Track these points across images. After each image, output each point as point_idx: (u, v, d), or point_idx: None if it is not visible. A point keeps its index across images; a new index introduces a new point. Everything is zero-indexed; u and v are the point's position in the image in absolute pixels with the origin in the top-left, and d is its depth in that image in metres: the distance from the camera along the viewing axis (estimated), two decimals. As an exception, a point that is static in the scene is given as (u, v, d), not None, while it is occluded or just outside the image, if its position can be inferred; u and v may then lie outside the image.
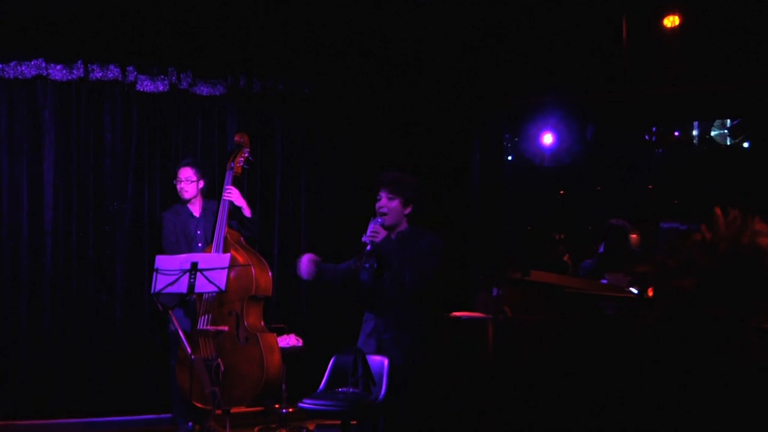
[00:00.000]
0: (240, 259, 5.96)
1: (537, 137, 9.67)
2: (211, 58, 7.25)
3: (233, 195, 6.18)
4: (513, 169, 10.02)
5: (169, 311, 5.55)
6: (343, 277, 4.83)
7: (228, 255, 5.68)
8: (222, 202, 6.18)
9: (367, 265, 4.63)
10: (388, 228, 4.71)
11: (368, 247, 4.58)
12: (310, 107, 7.72)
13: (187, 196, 6.32)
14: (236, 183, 6.33)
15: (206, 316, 5.94)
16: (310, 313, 7.67)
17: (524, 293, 5.88)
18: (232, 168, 6.29)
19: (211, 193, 6.79)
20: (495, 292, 7.09)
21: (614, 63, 7.41)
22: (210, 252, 5.98)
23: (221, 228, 6.06)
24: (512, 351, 5.48)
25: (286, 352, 6.25)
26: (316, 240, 7.71)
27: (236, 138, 6.41)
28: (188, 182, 6.31)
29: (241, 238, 6.16)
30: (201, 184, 6.41)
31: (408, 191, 4.72)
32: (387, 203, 4.72)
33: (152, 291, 5.51)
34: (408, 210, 4.72)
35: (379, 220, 4.72)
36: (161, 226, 6.43)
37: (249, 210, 6.30)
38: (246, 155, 6.32)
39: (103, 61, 6.98)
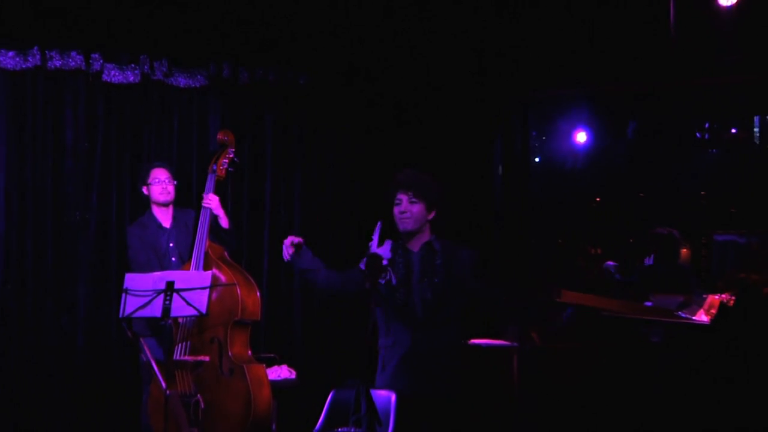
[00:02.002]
0: (224, 277, 5.93)
1: (569, 135, 9.68)
2: (189, 44, 7.25)
3: (213, 203, 6.15)
4: (541, 173, 10.02)
5: (141, 339, 5.52)
6: (336, 284, 4.79)
7: (210, 273, 5.65)
8: (202, 210, 6.15)
9: (383, 281, 4.61)
10: (408, 236, 4.68)
11: (384, 261, 4.56)
12: (305, 101, 7.72)
13: (169, 198, 6.32)
14: (219, 188, 6.30)
15: (184, 344, 5.91)
16: (306, 341, 7.65)
17: (554, 317, 5.85)
18: (214, 171, 6.26)
19: (185, 201, 6.76)
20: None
21: (659, 48, 7.38)
22: (188, 269, 5.95)
23: (202, 241, 6.03)
24: (541, 385, 5.46)
25: (276, 386, 6.22)
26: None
27: (219, 136, 6.39)
28: (169, 183, 6.31)
29: (225, 253, 6.14)
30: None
31: (432, 193, 4.69)
32: (409, 207, 4.69)
33: (120, 315, 5.48)
34: (431, 216, 4.70)
35: (401, 226, 4.70)
36: (126, 243, 6.38)
37: (227, 220, 6.28)
38: (231, 156, 6.30)
39: (63, 47, 6.97)
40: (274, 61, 7.56)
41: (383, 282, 4.63)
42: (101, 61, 7.06)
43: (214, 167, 6.27)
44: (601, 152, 10.22)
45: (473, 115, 8.08)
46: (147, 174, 6.36)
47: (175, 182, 6.40)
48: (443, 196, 4.74)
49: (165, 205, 6.36)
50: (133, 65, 7.14)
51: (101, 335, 7.05)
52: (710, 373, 4.84)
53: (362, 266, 4.63)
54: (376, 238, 4.66)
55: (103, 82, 7.09)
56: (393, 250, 4.67)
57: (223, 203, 6.36)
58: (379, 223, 4.68)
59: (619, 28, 7.40)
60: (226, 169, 6.29)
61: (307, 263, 4.84)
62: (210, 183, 6.24)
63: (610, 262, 8.15)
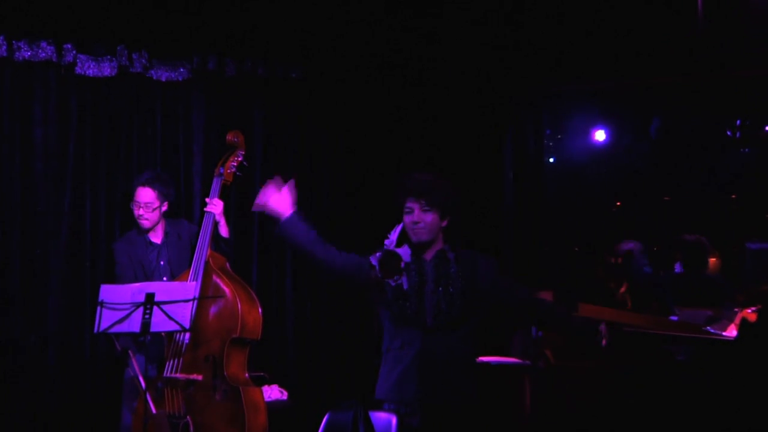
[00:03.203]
0: (226, 290, 5.95)
1: (586, 134, 9.70)
2: (171, 34, 7.26)
3: (217, 208, 6.18)
4: (556, 175, 10.02)
5: (129, 352, 5.55)
6: (337, 261, 4.80)
7: (194, 284, 5.68)
8: (205, 216, 6.17)
9: (393, 283, 4.62)
10: (422, 246, 4.70)
11: (402, 264, 4.59)
12: (298, 96, 7.75)
13: (147, 225, 6.31)
14: (224, 194, 6.29)
15: (175, 360, 5.93)
16: (299, 359, 7.66)
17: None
18: (221, 174, 6.28)
19: (178, 212, 6.76)
20: (535, 332, 7.15)
21: (686, 38, 7.40)
22: (186, 279, 5.96)
23: (203, 249, 6.05)
24: (556, 406, 5.48)
25: (267, 408, 6.23)
26: (306, 265, 7.70)
27: (229, 137, 6.37)
28: (148, 209, 6.27)
29: (227, 264, 6.16)
30: (165, 207, 6.37)
31: (446, 200, 4.71)
32: (421, 216, 4.70)
33: (96, 330, 5.50)
34: (444, 223, 4.72)
35: (414, 237, 4.70)
36: (113, 260, 6.39)
37: (227, 229, 6.30)
38: (240, 159, 6.31)
39: (32, 37, 6.97)
40: (264, 53, 7.58)
41: (393, 284, 4.64)
42: (74, 52, 7.07)
43: (221, 170, 6.30)
44: (622, 152, 10.23)
45: (481, 111, 8.10)
46: (133, 192, 6.31)
47: (163, 203, 6.34)
48: (457, 202, 4.75)
49: (146, 231, 6.35)
50: (109, 57, 7.15)
51: (74, 353, 7.05)
52: (740, 394, 4.85)
53: (373, 260, 4.63)
54: (394, 238, 4.66)
55: (76, 75, 7.09)
56: (411, 256, 4.68)
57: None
58: (400, 225, 4.69)
59: (642, 17, 7.42)
60: (234, 173, 6.31)
61: (301, 235, 4.84)
62: (215, 187, 6.26)
63: (631, 243, 7.90)
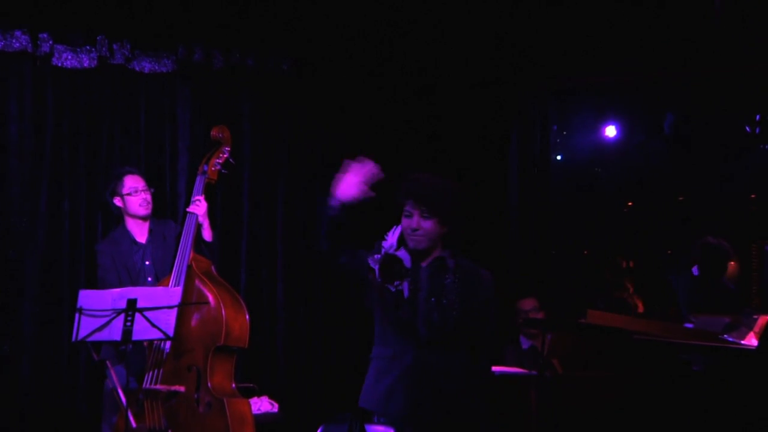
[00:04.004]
0: (209, 295, 5.93)
1: (596, 130, 9.68)
2: (155, 23, 7.25)
3: (200, 209, 6.17)
4: (563, 173, 10.00)
5: (107, 363, 5.52)
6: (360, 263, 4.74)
7: (178, 289, 5.66)
8: (187, 217, 6.17)
9: (393, 289, 4.59)
10: (420, 254, 4.66)
11: (405, 269, 4.57)
12: (289, 89, 7.74)
13: (150, 210, 6.34)
14: (208, 193, 6.29)
15: (156, 370, 5.91)
16: (289, 369, 7.64)
17: (579, 341, 5.87)
18: (204, 172, 6.30)
19: (156, 209, 6.76)
20: (525, 344, 7.16)
21: (702, 29, 7.39)
22: (167, 284, 5.95)
23: (185, 252, 6.04)
24: (564, 419, 5.47)
25: (257, 421, 6.21)
26: (298, 269, 7.67)
27: (213, 132, 6.40)
28: (148, 192, 6.31)
29: (212, 268, 6.15)
30: None
31: (448, 207, 4.66)
32: (420, 223, 4.65)
33: (74, 339, 5.48)
34: (445, 230, 4.68)
35: (411, 243, 4.67)
36: (95, 262, 6.38)
37: (210, 232, 6.29)
38: (225, 156, 6.34)
39: (5, 26, 6.95)
40: (254, 44, 7.57)
41: (393, 290, 4.61)
42: (51, 42, 7.05)
43: (205, 168, 6.32)
44: (634, 149, 10.21)
45: (486, 107, 8.08)
46: (119, 183, 6.33)
47: (153, 190, 6.39)
48: (461, 208, 4.70)
49: (145, 219, 6.35)
50: (88, 47, 7.13)
51: (51, 363, 7.03)
52: (760, 406, 4.84)
53: (372, 263, 4.61)
54: (393, 240, 4.62)
55: (53, 66, 7.08)
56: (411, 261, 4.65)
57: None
58: (399, 227, 4.66)
59: (655, 7, 7.41)
60: (219, 171, 6.33)
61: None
62: (199, 186, 6.28)
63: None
